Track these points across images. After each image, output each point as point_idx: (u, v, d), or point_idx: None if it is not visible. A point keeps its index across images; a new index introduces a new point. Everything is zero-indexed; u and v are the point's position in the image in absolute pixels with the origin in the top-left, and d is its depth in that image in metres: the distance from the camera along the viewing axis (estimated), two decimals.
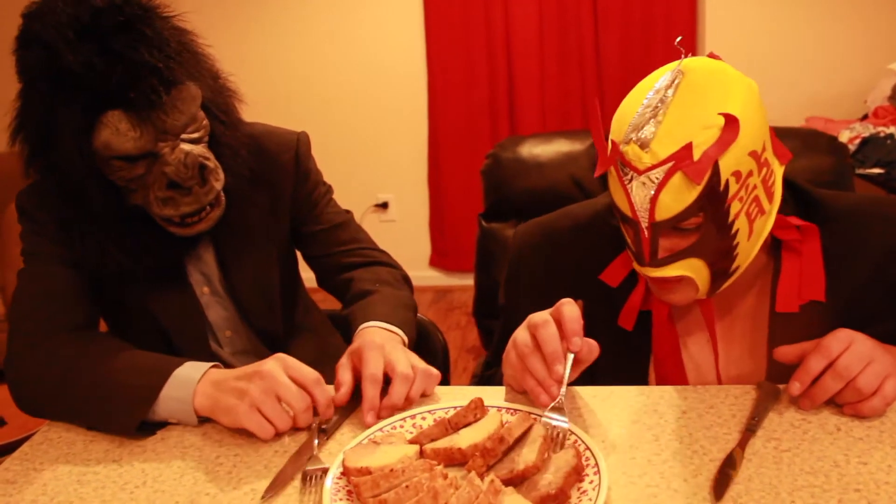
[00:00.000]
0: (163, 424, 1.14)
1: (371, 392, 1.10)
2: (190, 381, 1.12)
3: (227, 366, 1.49)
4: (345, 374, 1.16)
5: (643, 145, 0.98)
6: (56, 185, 1.27)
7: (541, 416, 1.01)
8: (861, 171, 3.02)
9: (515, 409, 1.05)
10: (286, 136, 1.51)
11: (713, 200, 0.98)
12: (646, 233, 1.01)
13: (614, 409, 1.09)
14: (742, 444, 0.97)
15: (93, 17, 1.16)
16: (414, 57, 4.19)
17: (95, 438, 1.13)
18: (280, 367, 1.09)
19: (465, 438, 0.97)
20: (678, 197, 0.97)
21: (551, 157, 2.08)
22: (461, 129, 4.18)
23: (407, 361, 1.15)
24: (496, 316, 1.52)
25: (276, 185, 1.47)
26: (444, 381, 1.71)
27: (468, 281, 4.08)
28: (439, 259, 4.43)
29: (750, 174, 1.00)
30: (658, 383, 1.20)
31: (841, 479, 0.90)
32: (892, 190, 3.01)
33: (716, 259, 1.04)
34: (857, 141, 3.14)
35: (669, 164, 0.96)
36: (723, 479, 0.90)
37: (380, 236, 4.71)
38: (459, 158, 4.18)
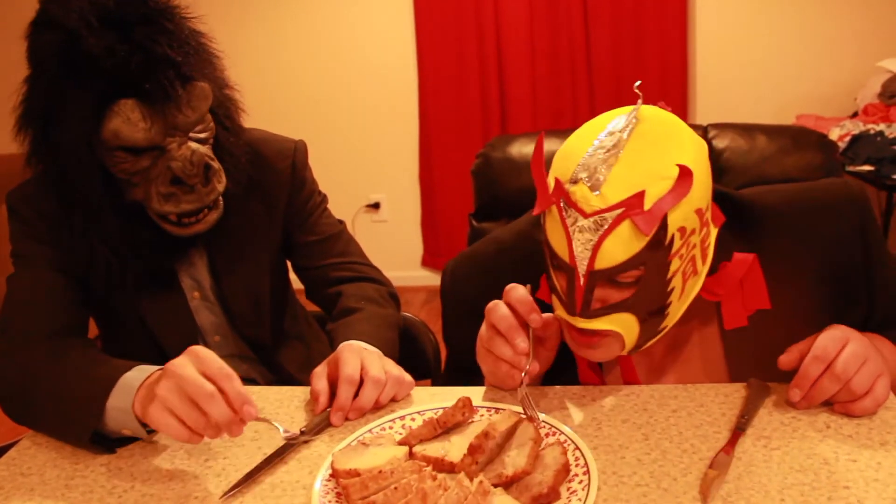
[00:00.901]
0: (126, 441, 1.10)
1: (345, 393, 1.10)
2: (130, 388, 1.05)
3: None
4: (319, 382, 1.15)
5: (593, 187, 0.92)
6: (53, 175, 1.26)
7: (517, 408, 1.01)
8: (851, 168, 3.03)
9: (501, 409, 1.05)
10: (284, 144, 1.51)
11: (656, 254, 0.94)
12: (581, 280, 0.96)
13: (604, 408, 1.09)
14: (732, 443, 0.96)
15: (117, 6, 1.17)
16: (404, 57, 4.18)
17: None
18: (189, 362, 0.98)
19: (457, 450, 0.96)
20: (623, 246, 0.93)
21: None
22: (452, 128, 4.18)
23: (380, 366, 1.14)
24: None
25: (272, 192, 1.47)
26: (436, 382, 1.72)
27: None
28: (431, 259, 4.43)
29: (693, 232, 0.97)
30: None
31: (830, 477, 0.90)
32: (882, 186, 3.02)
33: (647, 316, 1.00)
34: (847, 138, 3.15)
35: (619, 211, 0.92)
36: (712, 480, 0.90)
37: (372, 237, 4.73)
38: (451, 158, 4.18)
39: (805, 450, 0.95)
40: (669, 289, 0.98)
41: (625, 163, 0.93)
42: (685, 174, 0.91)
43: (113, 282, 1.34)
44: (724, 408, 1.06)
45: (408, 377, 1.17)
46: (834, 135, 3.21)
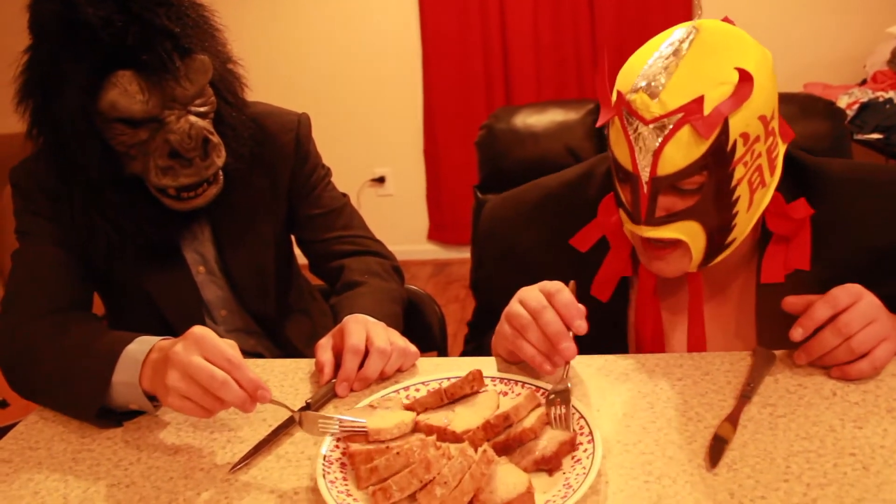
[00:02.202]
0: (129, 416, 1.10)
1: (350, 363, 1.10)
2: (135, 362, 1.06)
3: None
4: (324, 353, 1.15)
5: (653, 94, 0.94)
6: (53, 147, 1.25)
7: (543, 387, 1.01)
8: (859, 136, 3.00)
9: (511, 380, 1.05)
10: (287, 117, 1.50)
11: (719, 160, 0.94)
12: (645, 188, 0.97)
13: (609, 377, 1.08)
14: (737, 411, 0.96)
15: None
16: (408, 30, 4.15)
17: None
18: (192, 348, 0.97)
19: (460, 420, 0.96)
20: (684, 151, 0.93)
21: (546, 127, 2.07)
22: (457, 101, 4.15)
23: (386, 337, 1.14)
24: None
25: (276, 166, 1.46)
26: (443, 355, 1.72)
27: (467, 254, 4.08)
28: (437, 232, 4.42)
29: (757, 139, 0.96)
30: (638, 348, 1.19)
31: (836, 444, 0.89)
32: (891, 155, 2.99)
33: (713, 226, 0.99)
34: (856, 106, 3.12)
35: (678, 116, 0.93)
36: (717, 447, 0.89)
37: (377, 211, 4.72)
38: (456, 131, 4.16)
39: (811, 417, 0.95)
40: (735, 197, 0.97)
41: (684, 70, 0.94)
42: (745, 78, 0.92)
43: (115, 257, 1.34)
44: (729, 376, 1.05)
45: (412, 348, 1.17)
46: (842, 102, 3.18)
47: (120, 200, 1.28)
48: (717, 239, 1.01)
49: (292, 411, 0.99)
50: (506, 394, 1.03)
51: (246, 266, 1.46)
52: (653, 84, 0.94)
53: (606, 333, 1.16)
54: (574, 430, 0.93)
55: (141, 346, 1.08)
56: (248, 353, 1.51)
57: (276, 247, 1.50)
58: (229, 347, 0.98)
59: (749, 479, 0.85)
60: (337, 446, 0.94)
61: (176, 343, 0.99)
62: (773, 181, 1.03)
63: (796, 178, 1.12)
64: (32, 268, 1.30)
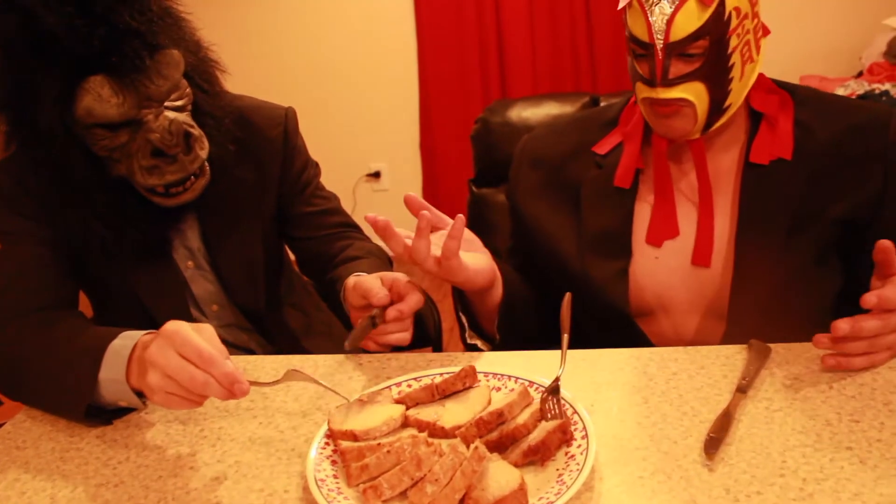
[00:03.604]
0: (119, 413, 1.09)
1: (379, 290, 1.16)
2: (120, 359, 1.04)
3: None
4: (374, 282, 1.18)
5: None
6: (37, 157, 1.24)
7: (536, 382, 1.01)
8: None
9: (504, 375, 1.04)
10: (274, 111, 1.49)
11: (718, 27, 1.13)
12: (660, 54, 1.14)
13: (603, 371, 1.07)
14: (733, 405, 0.95)
15: None
16: (403, 23, 4.13)
17: None
18: (168, 347, 0.94)
19: (451, 415, 0.95)
20: (691, 18, 1.12)
21: (541, 120, 2.04)
22: (452, 95, 4.13)
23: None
24: None
25: (263, 160, 1.45)
26: (438, 350, 1.71)
27: None
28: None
29: (746, 16, 1.15)
30: (650, 231, 1.28)
31: (833, 438, 0.88)
32: None
33: (714, 88, 1.16)
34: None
35: None
36: (714, 441, 0.88)
37: (373, 206, 4.69)
38: (451, 125, 4.14)
39: (807, 411, 0.94)
40: (731, 63, 1.16)
41: None
42: None
43: (108, 255, 1.32)
44: (724, 370, 1.04)
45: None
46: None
47: (109, 201, 1.27)
48: (716, 101, 1.17)
49: (274, 382, 1.02)
50: (498, 389, 1.02)
51: (234, 259, 1.45)
52: None
53: (616, 220, 1.30)
54: (564, 416, 0.92)
55: (125, 341, 1.06)
56: (239, 349, 1.50)
57: (265, 241, 1.49)
58: (203, 341, 0.94)
59: (745, 474, 0.84)
60: (327, 444, 0.93)
61: (152, 341, 0.97)
62: (760, 59, 1.21)
63: (778, 86, 1.29)
64: (15, 268, 1.28)
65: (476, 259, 1.16)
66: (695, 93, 1.16)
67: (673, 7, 1.13)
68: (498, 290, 1.22)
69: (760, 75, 1.25)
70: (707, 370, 1.05)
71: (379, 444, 0.89)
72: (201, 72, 1.32)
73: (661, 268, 1.27)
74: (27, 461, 1.01)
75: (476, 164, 2.15)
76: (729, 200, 1.26)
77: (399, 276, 1.17)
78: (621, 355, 1.11)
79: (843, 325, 0.96)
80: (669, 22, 1.13)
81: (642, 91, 1.20)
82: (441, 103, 4.16)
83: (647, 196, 1.30)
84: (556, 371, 0.98)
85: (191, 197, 1.29)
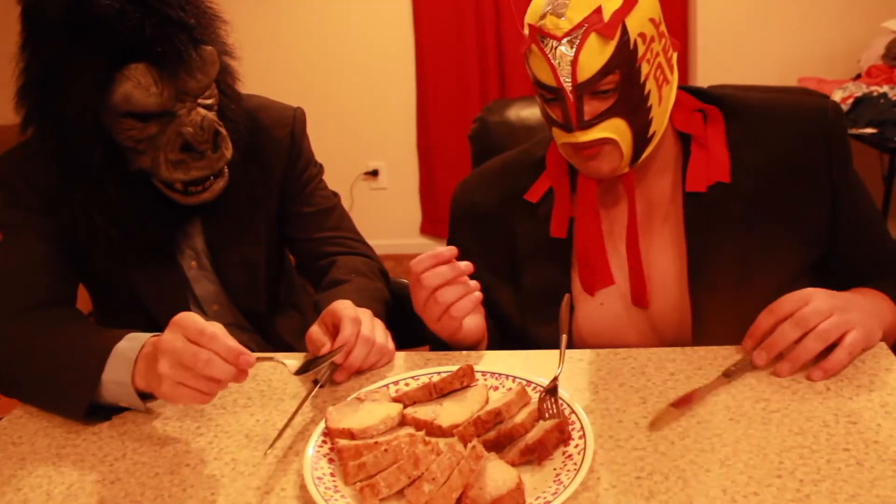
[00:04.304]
0: (118, 410, 1.09)
1: (349, 329, 1.10)
2: (126, 361, 1.04)
3: None
4: (320, 337, 1.14)
5: (559, 15, 1.07)
6: (53, 144, 1.22)
7: (534, 382, 1.01)
8: (854, 130, 2.98)
9: (502, 375, 1.04)
10: (283, 112, 1.48)
11: (625, 58, 1.07)
12: (571, 97, 1.08)
13: (600, 371, 1.07)
14: (712, 385, 0.96)
15: None
16: (401, 22, 4.13)
17: None
18: (177, 334, 0.96)
19: (448, 414, 0.95)
20: (595, 56, 1.06)
21: (539, 120, 2.04)
22: (450, 94, 4.13)
23: (371, 326, 1.14)
24: None
25: (269, 160, 1.44)
26: (433, 348, 1.70)
27: None
28: (430, 226, 4.41)
29: (653, 39, 1.10)
30: (583, 282, 1.23)
31: (830, 440, 0.88)
32: (885, 150, 2.99)
33: (634, 120, 1.11)
34: (850, 101, 3.10)
35: (584, 27, 1.06)
36: (667, 415, 0.91)
37: (370, 204, 4.68)
38: (449, 124, 4.14)
39: (804, 412, 0.94)
40: (646, 91, 1.11)
41: None
42: None
43: (112, 252, 1.31)
44: (721, 370, 1.04)
45: (391, 346, 1.18)
46: (837, 97, 3.17)
47: (120, 196, 1.26)
48: (640, 134, 1.12)
49: (281, 362, 1.03)
50: (496, 388, 1.02)
51: (237, 260, 1.44)
52: (557, 6, 1.07)
53: (553, 269, 1.26)
54: (562, 415, 0.92)
55: (132, 343, 1.06)
56: None
57: (268, 242, 1.49)
58: (208, 324, 0.96)
59: (742, 474, 0.84)
60: (325, 442, 0.93)
61: (164, 335, 0.98)
62: (674, 80, 1.17)
63: (703, 100, 1.24)
64: (15, 263, 1.28)
65: (471, 320, 1.17)
66: (615, 129, 1.10)
67: (574, 47, 1.06)
68: (482, 346, 1.23)
69: (680, 93, 1.20)
70: (704, 370, 1.05)
71: (376, 442, 0.88)
72: (225, 75, 1.32)
73: (607, 314, 1.23)
74: (23, 457, 1.01)
75: (474, 164, 2.15)
76: (672, 233, 1.21)
77: (344, 322, 1.12)
78: (619, 355, 1.11)
79: (758, 358, 1.03)
80: (574, 63, 1.07)
81: (560, 137, 1.14)
82: (439, 102, 4.16)
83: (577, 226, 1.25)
84: (554, 370, 0.98)
85: (209, 197, 1.29)
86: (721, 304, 1.15)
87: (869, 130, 2.97)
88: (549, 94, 1.12)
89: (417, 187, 4.39)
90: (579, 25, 1.06)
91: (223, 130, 1.26)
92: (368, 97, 4.27)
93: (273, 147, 1.44)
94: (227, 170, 1.31)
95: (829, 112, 1.19)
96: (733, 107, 1.22)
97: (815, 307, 1.00)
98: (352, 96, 4.27)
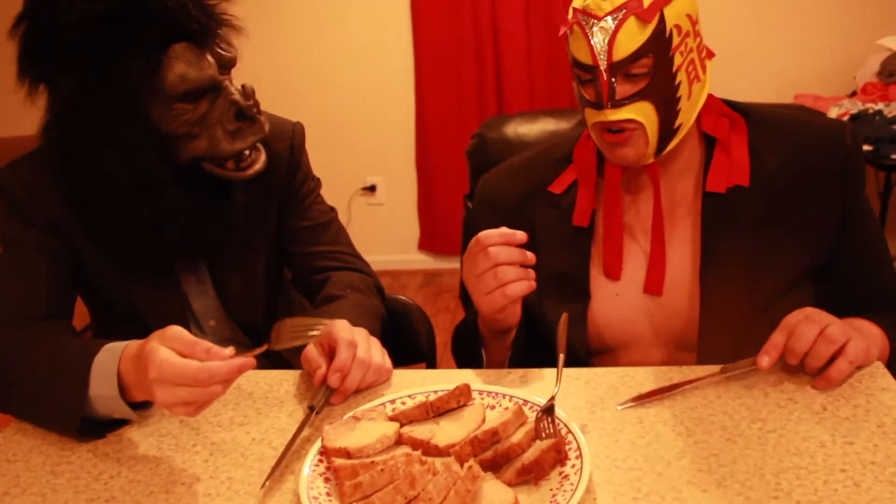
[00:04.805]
0: (116, 424, 1.09)
1: (344, 353, 1.09)
2: (108, 374, 1.03)
3: None
4: (316, 358, 1.13)
5: None
6: (92, 149, 1.21)
7: (531, 401, 1.00)
8: None
9: (499, 394, 1.04)
10: (282, 126, 1.48)
11: (660, 44, 1.12)
12: (604, 75, 1.13)
13: (597, 391, 1.07)
14: (703, 380, 1.02)
15: None
16: (400, 38, 4.14)
17: None
18: (162, 348, 0.96)
19: (444, 433, 0.95)
20: (632, 37, 1.11)
21: (537, 137, 2.05)
22: (449, 110, 4.14)
23: (367, 347, 1.14)
24: None
25: (268, 173, 1.44)
26: (431, 366, 1.71)
27: (457, 264, 4.06)
28: (428, 242, 4.40)
29: (688, 34, 1.14)
30: (605, 267, 1.27)
31: (827, 460, 0.88)
32: (880, 167, 3.00)
33: (662, 107, 1.15)
34: (846, 118, 3.12)
35: (624, 10, 1.11)
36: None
37: (368, 220, 4.68)
38: (447, 140, 4.15)
39: (801, 433, 0.94)
40: (677, 82, 1.15)
41: None
42: None
43: (116, 266, 1.32)
44: (718, 390, 1.04)
45: (388, 365, 1.17)
46: (832, 114, 3.18)
47: (176, 190, 1.26)
48: (666, 122, 1.16)
49: (258, 349, 1.02)
50: (493, 407, 1.02)
51: (236, 274, 1.44)
52: None
53: (572, 259, 1.30)
54: (559, 435, 0.91)
55: (108, 354, 1.05)
56: None
57: (267, 257, 1.49)
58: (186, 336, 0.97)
59: (739, 496, 0.84)
60: (321, 461, 0.93)
61: (148, 369, 0.95)
62: (707, 79, 1.20)
63: (731, 108, 1.28)
64: (12, 275, 1.27)
65: (515, 305, 1.20)
66: (643, 113, 1.14)
67: (613, 26, 1.11)
68: (510, 336, 1.26)
69: (710, 97, 1.24)
70: (701, 390, 1.05)
71: (373, 461, 0.88)
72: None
73: (622, 304, 1.26)
74: (17, 475, 1.00)
75: (472, 180, 2.15)
76: (689, 230, 1.26)
77: (340, 345, 1.11)
78: (615, 374, 1.11)
79: (762, 361, 1.04)
80: (611, 42, 1.12)
81: (591, 116, 1.18)
82: (437, 118, 4.17)
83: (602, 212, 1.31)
84: (551, 390, 0.98)
85: (259, 168, 1.31)
86: (728, 299, 1.18)
87: (865, 147, 2.98)
88: (586, 75, 1.16)
89: (415, 203, 4.39)
90: (620, 7, 1.11)
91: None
92: (367, 113, 4.28)
93: (272, 160, 1.44)
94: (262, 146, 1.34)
95: (848, 133, 1.23)
96: (757, 116, 1.26)
97: (817, 318, 1.03)
98: (350, 112, 4.28)
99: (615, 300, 1.26)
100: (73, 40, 1.15)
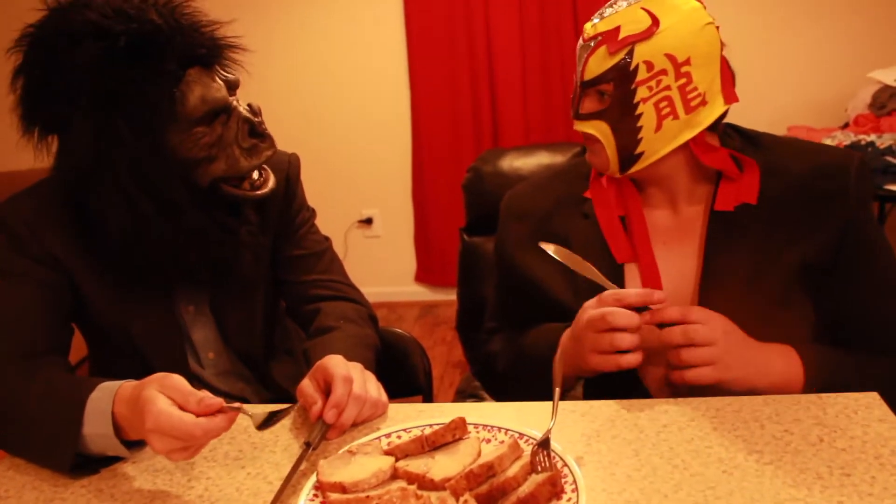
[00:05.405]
0: (109, 460, 1.08)
1: (341, 389, 1.09)
2: (102, 414, 1.04)
3: (210, 387, 1.46)
4: (312, 393, 1.13)
5: (593, 24, 1.24)
6: (112, 178, 1.21)
7: (527, 434, 0.99)
8: None
9: (494, 427, 1.03)
10: (278, 157, 1.49)
11: (623, 74, 1.21)
12: (577, 89, 1.27)
13: (594, 423, 1.07)
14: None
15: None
16: (396, 72, 4.18)
17: None
18: (160, 398, 0.96)
19: (440, 467, 0.94)
20: (599, 63, 1.22)
21: (533, 170, 2.06)
22: (445, 143, 4.17)
23: (363, 381, 1.14)
24: (480, 329, 1.52)
25: (264, 204, 1.45)
26: (428, 399, 1.70)
27: (454, 296, 4.06)
28: (425, 274, 4.41)
29: (664, 72, 1.20)
30: (641, 268, 1.30)
31: (824, 492, 0.88)
32: (874, 198, 3.01)
33: (620, 131, 1.23)
34: None
35: (599, 38, 1.22)
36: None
37: (365, 253, 4.69)
38: (443, 173, 4.17)
39: (798, 464, 0.93)
40: (638, 112, 1.22)
41: (621, 10, 1.22)
42: (656, 22, 1.20)
43: (115, 297, 1.32)
44: (715, 422, 1.04)
45: (384, 398, 1.17)
46: None
47: (200, 214, 1.28)
48: (624, 146, 1.24)
49: (246, 413, 1.01)
50: (489, 441, 1.02)
51: (237, 304, 1.44)
52: (600, 16, 1.25)
53: (608, 271, 1.29)
54: (554, 468, 0.91)
55: (102, 393, 1.06)
56: (234, 397, 1.49)
57: (265, 286, 1.49)
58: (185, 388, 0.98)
59: None
60: (316, 496, 0.93)
61: (144, 418, 0.96)
62: (691, 119, 1.23)
63: (746, 143, 1.34)
64: (8, 309, 1.27)
65: None
66: (600, 131, 1.24)
67: (589, 50, 1.23)
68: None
69: (703, 135, 1.27)
70: (697, 422, 1.05)
71: (368, 496, 0.88)
72: None
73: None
74: None
75: (468, 213, 2.16)
76: (695, 247, 1.30)
77: (335, 382, 1.11)
78: (610, 407, 1.11)
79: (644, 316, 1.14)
80: (585, 62, 1.24)
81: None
82: (433, 151, 4.19)
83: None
84: (547, 423, 0.98)
85: (272, 186, 1.34)
86: (725, 310, 1.18)
87: None
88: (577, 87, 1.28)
89: (412, 236, 4.41)
90: (596, 36, 1.23)
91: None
92: (363, 146, 4.31)
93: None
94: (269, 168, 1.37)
95: (856, 158, 1.27)
96: (770, 143, 1.33)
97: (706, 331, 1.12)
98: (346, 145, 4.31)
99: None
100: (89, 80, 1.16)
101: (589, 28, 1.25)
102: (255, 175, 1.33)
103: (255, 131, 1.29)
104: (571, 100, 1.30)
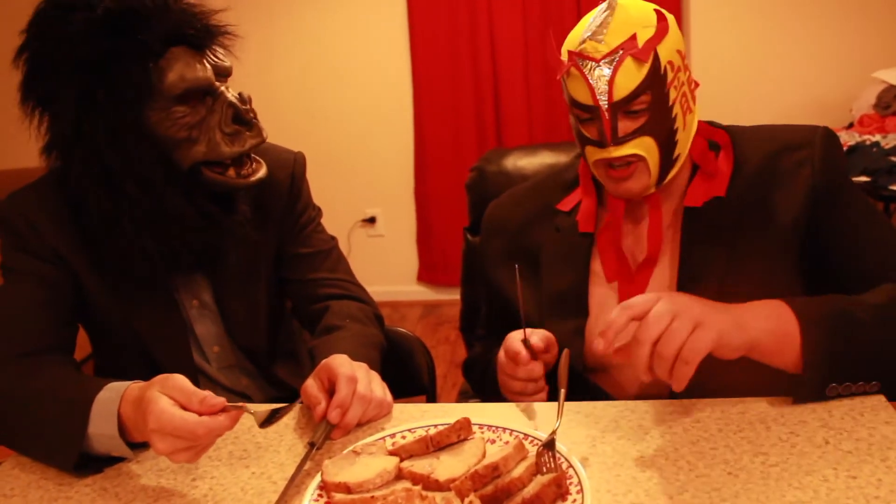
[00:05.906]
0: (113, 460, 1.09)
1: (345, 389, 1.09)
2: (109, 414, 1.04)
3: (214, 382, 1.46)
4: (316, 393, 1.13)
5: (598, 41, 1.18)
6: (97, 158, 1.22)
7: (532, 435, 0.99)
8: None
9: (499, 428, 1.03)
10: (283, 155, 1.50)
11: (656, 81, 1.17)
12: (606, 115, 1.17)
13: (598, 424, 1.07)
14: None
15: None
16: (399, 71, 4.18)
17: None
18: (162, 398, 0.97)
19: (444, 468, 0.94)
20: (630, 77, 1.16)
21: (536, 169, 2.06)
22: (448, 142, 4.17)
23: (368, 382, 1.14)
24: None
25: (268, 202, 1.45)
26: (431, 398, 1.70)
27: (457, 295, 4.06)
28: (428, 274, 4.41)
29: (679, 69, 1.20)
30: (606, 272, 1.30)
31: (830, 494, 0.88)
32: (878, 198, 3.01)
33: (662, 140, 1.20)
34: (844, 150, 3.14)
35: (621, 52, 1.16)
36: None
37: (368, 252, 4.69)
38: (446, 172, 4.17)
39: (804, 466, 0.93)
40: (674, 115, 1.20)
41: (617, 19, 1.18)
42: (662, 18, 1.19)
43: (117, 290, 1.32)
44: (720, 423, 1.04)
45: (389, 398, 1.17)
46: None
47: (179, 200, 1.27)
48: (666, 153, 1.21)
49: (249, 412, 1.00)
50: (493, 441, 1.02)
51: (239, 299, 1.44)
52: (596, 33, 1.18)
53: (575, 282, 1.32)
54: (560, 469, 0.91)
55: (111, 394, 1.06)
56: (238, 394, 1.49)
57: (268, 283, 1.49)
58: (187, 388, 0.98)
59: None
60: (320, 496, 0.92)
61: (147, 419, 0.96)
62: (696, 108, 1.26)
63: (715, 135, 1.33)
64: (13, 307, 1.27)
65: None
66: (645, 147, 1.19)
67: (612, 68, 1.16)
68: None
69: (699, 123, 1.29)
70: (702, 423, 1.05)
71: (372, 496, 0.88)
72: None
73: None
74: None
75: (471, 212, 2.16)
76: (669, 244, 1.29)
77: (340, 381, 1.11)
78: (616, 408, 1.11)
79: (597, 344, 1.01)
80: (611, 82, 1.16)
81: (594, 154, 1.22)
82: (437, 151, 4.19)
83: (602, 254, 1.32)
84: (552, 424, 0.98)
85: (262, 176, 1.32)
86: None
87: (862, 179, 3.00)
88: (585, 114, 1.21)
89: (415, 235, 4.41)
90: (616, 49, 1.16)
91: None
92: (366, 145, 4.31)
93: (273, 189, 1.45)
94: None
95: (821, 129, 1.26)
96: (741, 132, 1.31)
97: (657, 311, 0.99)
98: (349, 144, 4.31)
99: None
100: (73, 50, 1.18)
101: (591, 49, 1.17)
102: (247, 161, 1.31)
103: (241, 118, 1.27)
104: (583, 129, 1.22)
